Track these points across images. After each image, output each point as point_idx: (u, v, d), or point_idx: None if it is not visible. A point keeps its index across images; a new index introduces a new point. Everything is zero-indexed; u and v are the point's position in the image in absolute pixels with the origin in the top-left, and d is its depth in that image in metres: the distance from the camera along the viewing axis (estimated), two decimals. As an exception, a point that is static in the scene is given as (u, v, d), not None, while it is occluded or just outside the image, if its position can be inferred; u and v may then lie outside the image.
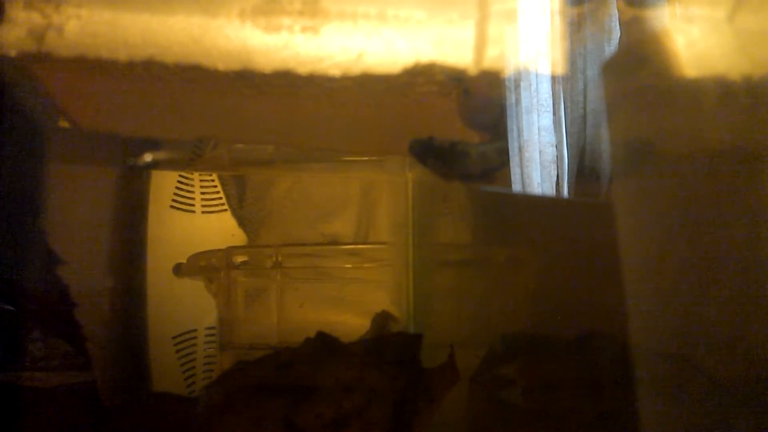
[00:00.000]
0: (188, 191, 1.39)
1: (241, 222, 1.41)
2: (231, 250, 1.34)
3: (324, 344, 1.09)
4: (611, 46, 0.70)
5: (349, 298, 1.27)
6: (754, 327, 0.75)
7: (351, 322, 1.22)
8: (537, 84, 0.70)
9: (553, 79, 0.70)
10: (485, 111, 0.81)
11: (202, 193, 1.39)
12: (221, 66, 0.66)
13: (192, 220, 1.41)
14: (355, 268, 1.27)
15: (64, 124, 0.83)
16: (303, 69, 0.67)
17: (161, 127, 0.90)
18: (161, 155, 1.15)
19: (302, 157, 1.24)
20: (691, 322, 0.77)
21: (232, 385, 1.03)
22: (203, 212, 1.43)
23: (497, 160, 0.90)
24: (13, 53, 0.69)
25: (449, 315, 1.15)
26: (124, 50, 0.66)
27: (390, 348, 1.08)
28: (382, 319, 1.22)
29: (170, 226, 1.35)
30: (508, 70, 0.68)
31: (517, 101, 0.70)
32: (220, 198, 1.42)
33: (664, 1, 0.69)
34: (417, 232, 1.20)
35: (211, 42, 0.66)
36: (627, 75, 0.74)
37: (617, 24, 0.69)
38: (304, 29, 0.68)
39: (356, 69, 0.66)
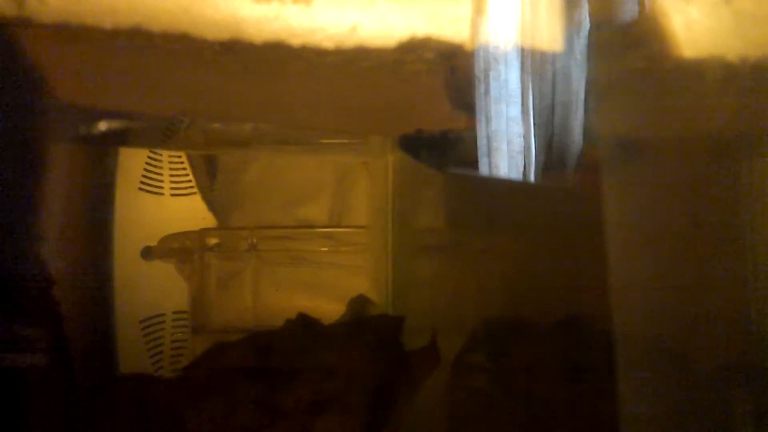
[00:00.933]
0: (157, 173, 1.36)
1: (212, 205, 1.39)
2: (205, 232, 1.32)
3: (305, 327, 1.08)
4: (581, 38, 0.69)
5: (326, 282, 1.26)
6: (744, 316, 0.75)
7: (327, 307, 1.21)
8: (506, 74, 0.69)
9: (522, 69, 0.68)
10: (472, 90, 0.80)
11: (171, 175, 1.37)
12: (210, 36, 0.64)
13: (161, 203, 1.39)
14: (331, 252, 1.26)
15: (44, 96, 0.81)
16: (295, 41, 0.65)
17: (140, 101, 0.87)
18: (133, 131, 1.12)
19: (278, 139, 1.22)
20: (678, 310, 0.76)
21: (210, 366, 1.02)
22: (172, 195, 1.41)
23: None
24: (-9, 19, 0.67)
25: (428, 300, 1.14)
26: (109, 17, 0.64)
27: (371, 330, 1.07)
28: (359, 303, 1.21)
29: (138, 209, 1.33)
30: (504, 48, 0.66)
31: (486, 91, 0.69)
32: (190, 180, 1.39)
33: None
34: (397, 217, 1.19)
35: (200, 10, 0.64)
36: (619, 57, 0.73)
37: (587, 15, 0.68)
38: (296, 0, 0.66)
39: (349, 42, 0.64)
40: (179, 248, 1.34)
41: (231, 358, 1.07)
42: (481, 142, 0.73)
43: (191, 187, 1.45)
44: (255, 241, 1.33)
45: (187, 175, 1.41)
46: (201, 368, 1.07)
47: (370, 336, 1.07)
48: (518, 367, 1.01)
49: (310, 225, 1.37)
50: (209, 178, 1.45)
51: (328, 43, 0.67)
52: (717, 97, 0.69)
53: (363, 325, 1.12)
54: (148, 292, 1.38)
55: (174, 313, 1.38)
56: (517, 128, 0.74)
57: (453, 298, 1.14)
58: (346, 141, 1.23)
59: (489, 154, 0.74)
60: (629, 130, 0.75)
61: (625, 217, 0.78)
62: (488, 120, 0.73)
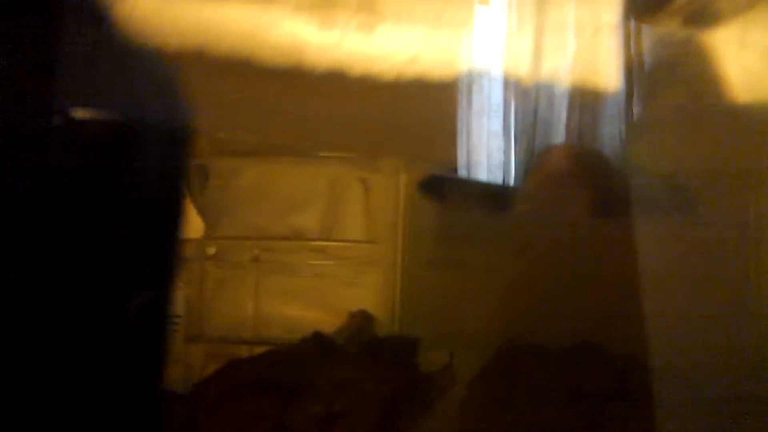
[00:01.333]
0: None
1: (201, 209, 1.38)
2: (205, 241, 1.31)
3: (319, 344, 1.07)
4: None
5: (324, 293, 1.25)
6: (752, 349, 0.76)
7: (325, 318, 1.20)
8: (489, 89, 0.70)
9: (506, 85, 0.70)
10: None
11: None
12: (273, 61, 0.64)
13: None
14: (331, 265, 1.25)
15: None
16: (355, 69, 0.65)
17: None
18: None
19: (279, 150, 1.22)
20: (692, 341, 0.77)
21: (224, 382, 1.01)
22: None
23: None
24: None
25: (438, 317, 1.14)
26: (174, 38, 0.64)
27: (386, 350, 1.07)
28: (361, 318, 1.21)
29: None
30: (563, 84, 0.67)
31: (469, 104, 0.70)
32: None
33: (719, 25, 0.69)
34: (408, 234, 1.19)
35: (264, 36, 0.64)
36: (664, 93, 0.74)
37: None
38: (359, 27, 0.67)
39: (409, 72, 0.65)
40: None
41: (244, 374, 1.06)
42: (461, 155, 0.73)
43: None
44: (257, 252, 1.32)
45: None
46: (214, 384, 1.06)
47: (384, 356, 1.06)
48: (531, 391, 1.01)
49: (305, 236, 1.36)
50: (200, 182, 1.43)
51: (388, 73, 0.67)
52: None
53: (378, 344, 1.11)
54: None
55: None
56: (498, 142, 0.74)
57: (463, 318, 1.14)
58: (344, 155, 1.23)
59: (468, 167, 0.75)
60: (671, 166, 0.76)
61: (655, 255, 0.79)
62: (469, 133, 0.73)
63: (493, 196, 0.87)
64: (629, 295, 0.77)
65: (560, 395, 0.96)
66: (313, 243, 1.31)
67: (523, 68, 0.69)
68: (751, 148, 0.72)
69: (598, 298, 0.97)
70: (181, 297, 1.26)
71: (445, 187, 0.92)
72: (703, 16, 0.73)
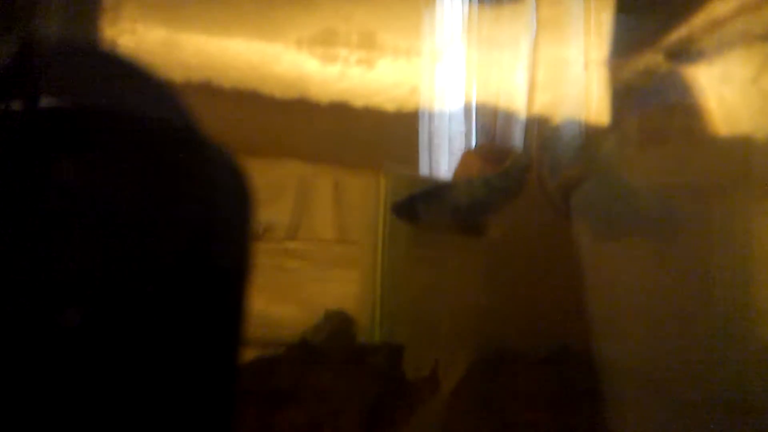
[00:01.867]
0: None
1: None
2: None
3: (305, 351, 1.09)
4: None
5: (280, 293, 1.26)
6: (731, 355, 0.80)
7: (284, 313, 1.21)
8: (451, 72, 0.73)
9: (467, 69, 0.72)
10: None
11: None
12: (278, 94, 0.66)
13: None
14: (316, 266, 1.26)
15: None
16: (358, 102, 0.67)
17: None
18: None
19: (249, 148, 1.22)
20: (668, 346, 0.80)
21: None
22: None
23: (483, 192, 0.93)
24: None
25: (420, 321, 1.16)
26: (180, 71, 0.65)
27: (370, 357, 1.09)
28: (339, 319, 1.23)
29: None
30: (558, 118, 0.70)
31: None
32: None
33: (702, 59, 0.73)
34: (388, 237, 1.20)
35: (269, 69, 0.66)
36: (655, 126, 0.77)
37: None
38: (359, 61, 0.69)
39: (410, 105, 0.67)
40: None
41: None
42: (422, 138, 0.76)
43: None
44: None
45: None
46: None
47: (369, 363, 1.08)
48: (514, 397, 1.04)
49: (277, 232, 1.36)
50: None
51: (389, 105, 0.69)
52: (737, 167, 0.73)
53: (363, 351, 1.13)
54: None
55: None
56: (459, 126, 0.77)
57: (445, 320, 1.16)
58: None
59: (430, 151, 0.77)
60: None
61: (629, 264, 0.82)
62: (431, 117, 0.76)
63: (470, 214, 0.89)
64: (607, 298, 0.79)
65: (542, 400, 1.00)
66: (288, 243, 1.32)
67: (518, 102, 0.71)
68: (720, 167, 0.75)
69: (577, 300, 1.00)
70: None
71: (419, 208, 0.94)
72: (687, 52, 0.76)
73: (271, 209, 1.33)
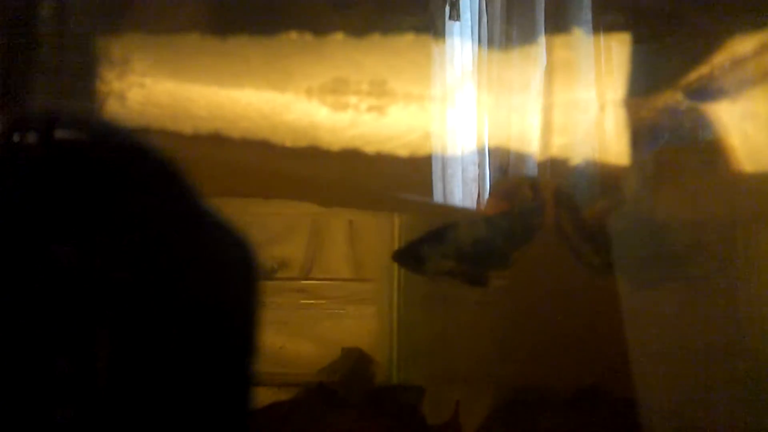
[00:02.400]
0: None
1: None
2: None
3: (322, 395, 1.07)
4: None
5: (295, 329, 1.24)
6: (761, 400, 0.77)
7: (300, 351, 1.20)
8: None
9: (479, 101, 0.71)
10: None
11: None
12: (289, 143, 0.65)
13: None
14: (322, 305, 1.25)
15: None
16: (369, 148, 0.66)
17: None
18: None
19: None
20: (698, 384, 0.78)
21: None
22: None
23: (486, 232, 0.91)
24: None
25: (438, 360, 1.14)
26: (189, 122, 0.65)
27: (390, 400, 1.07)
28: (356, 357, 1.21)
29: None
30: (574, 159, 0.69)
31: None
32: None
33: (725, 97, 0.71)
34: (404, 272, 1.18)
35: (279, 118, 0.65)
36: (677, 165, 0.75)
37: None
38: (370, 108, 0.68)
39: (423, 150, 0.66)
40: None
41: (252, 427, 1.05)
42: (436, 168, 0.75)
43: None
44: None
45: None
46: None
47: (389, 406, 1.07)
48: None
49: (292, 269, 1.36)
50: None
51: (402, 151, 0.68)
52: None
53: (382, 394, 1.11)
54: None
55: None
56: (473, 156, 0.75)
57: (463, 360, 1.14)
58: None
59: (443, 181, 0.76)
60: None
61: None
62: (444, 161, 0.74)
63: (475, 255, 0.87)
64: (631, 339, 0.77)
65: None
66: (303, 282, 1.31)
67: (532, 145, 0.70)
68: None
69: (601, 342, 0.98)
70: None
71: (423, 252, 0.92)
72: (707, 91, 0.74)
73: (286, 246, 1.32)
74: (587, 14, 0.78)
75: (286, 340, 1.26)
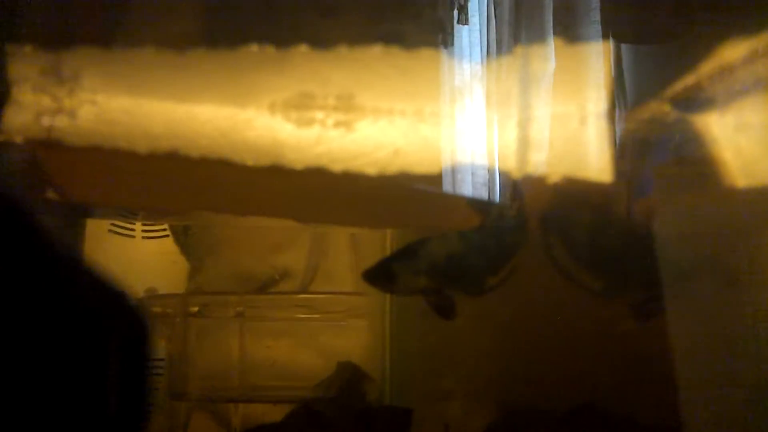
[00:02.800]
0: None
1: (185, 249, 1.35)
2: (187, 298, 1.28)
3: (308, 418, 1.05)
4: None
5: (303, 341, 1.23)
6: None
7: (314, 365, 1.18)
8: (472, 108, 0.69)
9: (488, 103, 0.68)
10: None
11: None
12: (250, 161, 0.61)
13: (131, 245, 1.35)
14: (320, 318, 1.23)
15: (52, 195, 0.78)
16: (336, 166, 0.62)
17: (154, 200, 0.84)
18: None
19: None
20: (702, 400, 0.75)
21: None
22: (144, 237, 1.37)
23: (459, 247, 0.88)
24: (18, 139, 0.63)
25: (430, 373, 1.12)
26: (144, 140, 0.61)
27: (377, 422, 1.04)
28: (349, 371, 1.18)
29: (108, 251, 1.29)
30: (555, 175, 0.65)
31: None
32: (163, 224, 1.36)
33: (714, 108, 0.68)
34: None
35: (240, 135, 0.62)
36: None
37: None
38: (337, 124, 0.64)
39: (393, 167, 0.62)
40: (161, 313, 1.30)
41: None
42: (446, 173, 0.72)
43: (164, 230, 1.41)
44: (242, 309, 1.29)
45: (160, 218, 1.38)
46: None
47: (375, 429, 1.04)
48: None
49: (291, 278, 1.34)
50: (183, 227, 1.41)
51: (370, 169, 0.65)
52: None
53: (368, 416, 1.09)
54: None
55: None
56: (482, 161, 0.73)
57: (457, 374, 1.12)
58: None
59: (453, 186, 0.73)
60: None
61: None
62: (453, 152, 0.72)
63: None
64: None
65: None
66: (299, 296, 1.28)
67: (509, 161, 0.66)
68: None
69: (596, 358, 0.95)
70: (164, 353, 1.23)
71: (394, 269, 0.90)
72: (696, 101, 0.71)
73: (288, 256, 1.29)
74: (596, 16, 0.74)
75: (286, 352, 1.23)
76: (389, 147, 0.66)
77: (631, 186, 0.74)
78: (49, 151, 0.67)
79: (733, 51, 0.67)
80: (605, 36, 0.74)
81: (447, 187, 0.75)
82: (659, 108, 0.72)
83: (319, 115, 0.68)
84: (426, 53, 0.69)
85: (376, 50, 0.68)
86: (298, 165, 0.65)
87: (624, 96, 0.74)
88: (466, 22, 0.79)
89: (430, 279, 0.87)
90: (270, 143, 0.64)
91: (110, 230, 1.30)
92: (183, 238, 1.33)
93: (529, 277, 0.89)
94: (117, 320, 0.51)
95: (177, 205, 0.84)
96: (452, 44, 0.78)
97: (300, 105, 0.68)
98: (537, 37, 0.72)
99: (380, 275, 0.90)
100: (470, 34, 0.81)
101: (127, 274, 1.28)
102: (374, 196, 0.75)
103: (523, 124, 0.70)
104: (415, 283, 0.89)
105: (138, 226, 1.31)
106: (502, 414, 1.02)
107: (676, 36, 0.75)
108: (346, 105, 0.68)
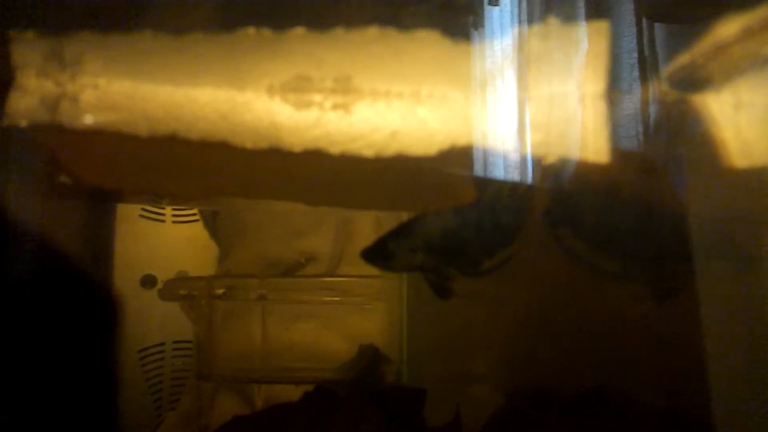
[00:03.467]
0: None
1: (214, 234, 1.37)
2: (212, 280, 1.30)
3: (322, 398, 1.06)
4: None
5: (329, 323, 1.24)
6: None
7: (337, 348, 1.19)
8: (503, 89, 0.69)
9: (519, 86, 0.68)
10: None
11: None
12: (249, 144, 0.62)
13: (162, 230, 1.37)
14: (343, 301, 1.24)
15: (65, 179, 0.79)
16: (334, 148, 0.63)
17: (164, 186, 0.86)
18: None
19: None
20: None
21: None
22: (173, 222, 1.39)
23: (454, 223, 0.88)
24: (23, 123, 0.65)
25: (445, 356, 1.12)
26: (144, 124, 0.62)
27: (391, 403, 1.05)
28: (370, 354, 1.19)
29: (138, 236, 1.31)
30: (553, 155, 0.65)
31: (482, 104, 0.69)
32: (193, 208, 1.37)
33: (711, 87, 0.67)
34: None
35: (239, 118, 0.62)
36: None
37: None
38: (335, 107, 0.65)
39: (390, 150, 0.63)
40: (186, 295, 1.32)
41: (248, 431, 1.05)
42: (477, 157, 0.72)
43: (194, 214, 1.43)
44: (264, 292, 1.31)
45: (190, 203, 1.39)
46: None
47: (390, 408, 1.05)
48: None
49: (316, 260, 1.35)
50: (212, 213, 1.43)
51: (368, 151, 0.65)
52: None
53: (382, 396, 1.10)
54: (148, 321, 1.36)
55: (174, 342, 1.36)
56: (514, 143, 0.73)
57: (471, 358, 1.12)
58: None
59: (485, 169, 0.73)
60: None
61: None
62: (485, 135, 0.72)
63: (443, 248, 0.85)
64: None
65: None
66: (323, 280, 1.30)
67: (508, 142, 0.66)
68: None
69: (607, 343, 0.95)
70: (185, 320, 1.25)
71: (391, 247, 0.90)
72: (693, 81, 0.70)
73: (314, 240, 1.31)
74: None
75: (309, 335, 1.25)
76: (386, 129, 0.66)
77: (642, 166, 0.74)
78: (54, 136, 0.68)
79: (726, 28, 0.66)
80: (638, 15, 0.74)
81: (478, 171, 0.75)
82: (657, 88, 0.71)
83: (317, 97, 0.68)
84: (422, 35, 0.68)
85: (372, 32, 0.68)
86: (297, 147, 0.65)
87: (627, 75, 0.73)
88: (496, 3, 0.79)
89: (427, 256, 0.87)
90: (268, 126, 0.64)
91: (141, 215, 1.31)
92: (212, 223, 1.35)
93: (543, 259, 0.89)
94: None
95: (180, 189, 0.86)
96: (482, 26, 0.77)
97: (298, 87, 0.68)
98: (569, 16, 0.71)
99: (377, 253, 0.91)
100: (501, 15, 0.80)
101: (158, 259, 1.30)
102: (375, 179, 0.76)
103: (522, 105, 0.70)
104: (413, 260, 0.89)
105: (168, 211, 1.33)
106: (512, 396, 1.02)
107: (705, 16, 0.74)
108: (344, 87, 0.69)
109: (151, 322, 1.33)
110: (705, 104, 0.70)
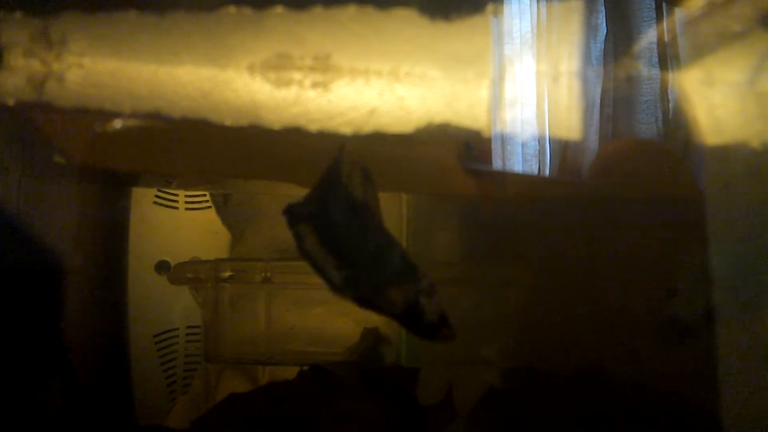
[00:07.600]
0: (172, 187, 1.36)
1: (226, 221, 1.38)
2: (218, 264, 1.31)
3: (318, 377, 1.07)
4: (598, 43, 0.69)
5: (340, 308, 1.25)
6: None
7: (340, 330, 1.20)
8: (521, 77, 0.69)
9: (538, 73, 0.68)
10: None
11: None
12: (229, 121, 0.64)
13: (175, 217, 1.38)
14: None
15: (59, 159, 0.81)
16: (313, 126, 0.64)
17: (161, 166, 0.87)
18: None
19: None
20: None
21: (223, 417, 1.01)
22: (186, 209, 1.40)
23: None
24: (11, 102, 0.67)
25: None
26: (128, 102, 0.64)
27: (385, 381, 1.07)
28: (372, 338, 1.21)
29: (152, 223, 1.32)
30: (524, 135, 0.66)
31: (500, 92, 0.69)
32: (205, 194, 1.39)
33: (685, 65, 0.68)
34: (411, 248, 1.17)
35: (220, 96, 0.64)
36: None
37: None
38: (314, 85, 0.66)
39: (367, 127, 0.64)
40: (193, 278, 1.33)
41: (244, 409, 1.06)
42: (495, 145, 0.72)
43: (206, 201, 1.44)
44: (269, 275, 1.32)
45: (203, 189, 1.41)
46: (213, 420, 1.06)
47: (384, 387, 1.06)
48: (536, 419, 1.00)
49: None
50: (225, 193, 1.44)
51: (346, 128, 0.67)
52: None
53: (377, 375, 1.11)
54: (162, 307, 1.37)
55: (187, 327, 1.37)
56: (532, 131, 0.73)
57: (468, 339, 1.13)
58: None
59: (503, 158, 0.74)
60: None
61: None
62: (502, 123, 0.72)
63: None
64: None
65: (565, 422, 0.95)
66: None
67: (483, 119, 0.68)
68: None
69: (603, 321, 0.95)
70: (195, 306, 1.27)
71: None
72: (665, 58, 0.71)
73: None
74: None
75: (316, 318, 1.26)
76: (365, 107, 0.67)
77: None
78: (42, 115, 0.70)
79: (691, 2, 0.66)
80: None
81: (497, 159, 0.76)
82: (630, 66, 0.72)
83: (296, 75, 0.69)
84: (401, 13, 0.69)
85: (351, 10, 0.69)
86: (276, 125, 0.67)
87: (600, 53, 0.74)
88: None
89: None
90: (249, 104, 0.66)
91: (155, 202, 1.32)
92: (223, 208, 1.36)
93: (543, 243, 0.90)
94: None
95: (170, 168, 0.87)
96: (502, 12, 0.78)
97: (278, 66, 0.70)
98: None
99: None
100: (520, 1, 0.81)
101: (172, 245, 1.32)
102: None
103: (497, 83, 0.71)
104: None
105: (181, 197, 1.34)
106: (505, 375, 1.03)
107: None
108: (323, 65, 0.70)
109: (166, 308, 1.34)
110: (678, 81, 0.70)
